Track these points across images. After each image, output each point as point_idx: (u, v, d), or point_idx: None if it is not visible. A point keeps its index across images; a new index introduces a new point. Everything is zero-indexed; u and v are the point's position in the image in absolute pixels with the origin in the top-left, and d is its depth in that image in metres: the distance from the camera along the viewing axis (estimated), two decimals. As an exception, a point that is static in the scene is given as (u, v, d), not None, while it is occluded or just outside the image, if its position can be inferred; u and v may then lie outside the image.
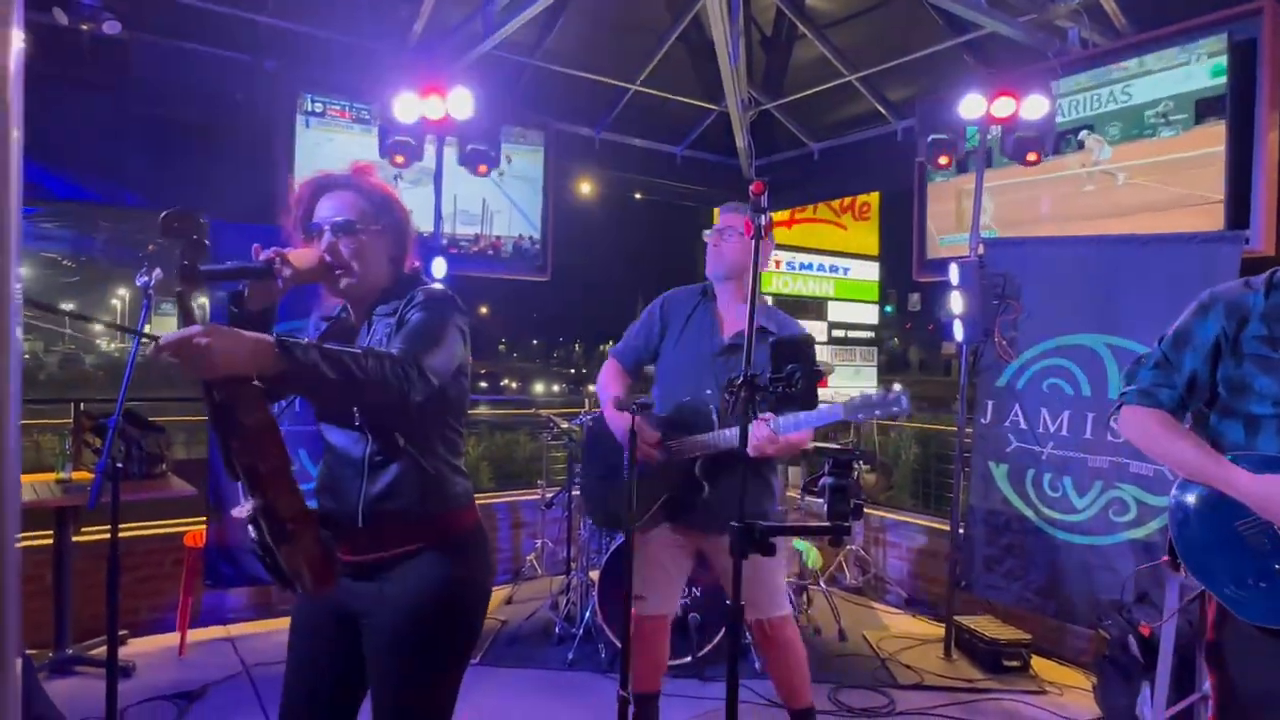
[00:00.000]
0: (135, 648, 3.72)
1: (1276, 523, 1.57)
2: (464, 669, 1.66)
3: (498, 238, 5.42)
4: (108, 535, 2.20)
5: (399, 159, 3.92)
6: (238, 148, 4.46)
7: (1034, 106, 3.74)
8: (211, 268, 1.43)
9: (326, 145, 4.65)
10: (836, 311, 8.59)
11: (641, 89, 5.65)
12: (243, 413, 1.33)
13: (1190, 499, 1.70)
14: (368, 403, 1.51)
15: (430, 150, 4.14)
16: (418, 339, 1.50)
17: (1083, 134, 4.29)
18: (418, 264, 1.75)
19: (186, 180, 4.37)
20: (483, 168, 4.15)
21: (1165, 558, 1.73)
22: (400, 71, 3.97)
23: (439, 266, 3.89)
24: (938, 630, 4.11)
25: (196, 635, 3.81)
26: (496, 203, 5.39)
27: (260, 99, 4.51)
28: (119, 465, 2.19)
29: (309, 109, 4.63)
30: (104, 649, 2.23)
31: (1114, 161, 4.19)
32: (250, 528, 1.42)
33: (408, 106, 3.84)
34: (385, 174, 1.85)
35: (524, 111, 5.37)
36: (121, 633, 3.77)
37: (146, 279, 2.10)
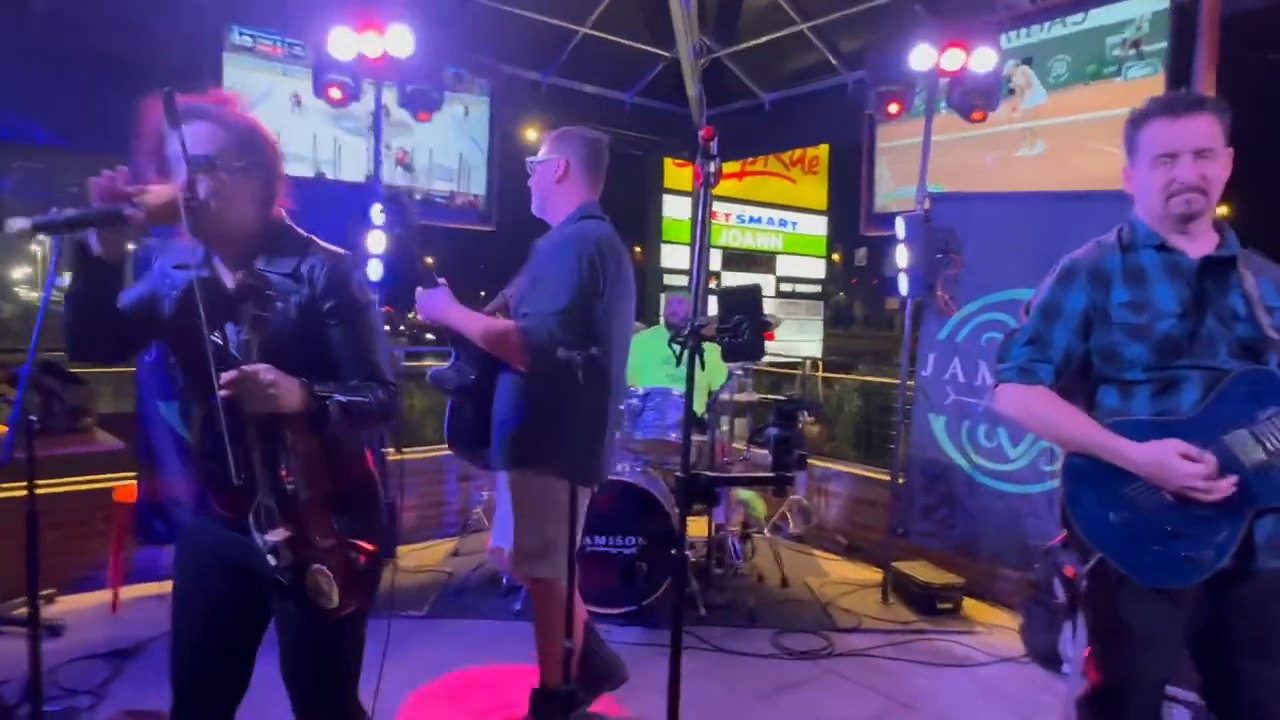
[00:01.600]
0: (65, 606, 3.61)
1: (1166, 488, 1.59)
2: (366, 616, 1.66)
3: (475, 196, 5.25)
4: (26, 491, 2.11)
5: (335, 94, 3.74)
6: (156, 84, 4.19)
7: (982, 60, 3.75)
8: (43, 219, 1.29)
9: (256, 88, 4.42)
10: (785, 265, 8.65)
11: (591, 32, 5.50)
12: (297, 441, 1.41)
13: (1079, 468, 1.70)
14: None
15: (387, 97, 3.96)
16: (374, 362, 1.58)
17: (1010, 66, 4.05)
18: (288, 206, 1.62)
19: (103, 118, 4.10)
20: (424, 114, 4.00)
21: (1061, 535, 1.76)
22: (335, 4, 3.77)
23: (376, 213, 3.76)
24: (876, 575, 4.26)
25: (130, 592, 3.71)
26: (474, 158, 5.22)
27: (184, 31, 4.24)
28: (33, 418, 2.08)
29: (237, 43, 4.38)
30: (26, 608, 2.15)
31: (1051, 115, 4.24)
32: (271, 557, 1.43)
33: (343, 42, 3.66)
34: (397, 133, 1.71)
35: (468, 53, 5.17)
36: (49, 591, 3.65)
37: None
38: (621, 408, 4.03)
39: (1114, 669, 1.69)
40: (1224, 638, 1.65)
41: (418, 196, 5.01)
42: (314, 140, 4.62)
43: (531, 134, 6.31)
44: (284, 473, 1.40)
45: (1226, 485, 1.55)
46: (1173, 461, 1.57)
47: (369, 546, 1.49)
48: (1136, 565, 1.62)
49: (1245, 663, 1.63)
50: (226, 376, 1.34)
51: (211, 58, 4.30)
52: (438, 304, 2.36)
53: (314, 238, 1.65)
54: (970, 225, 3.89)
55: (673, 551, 1.71)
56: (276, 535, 1.41)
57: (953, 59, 3.77)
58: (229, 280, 1.53)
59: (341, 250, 1.64)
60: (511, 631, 3.51)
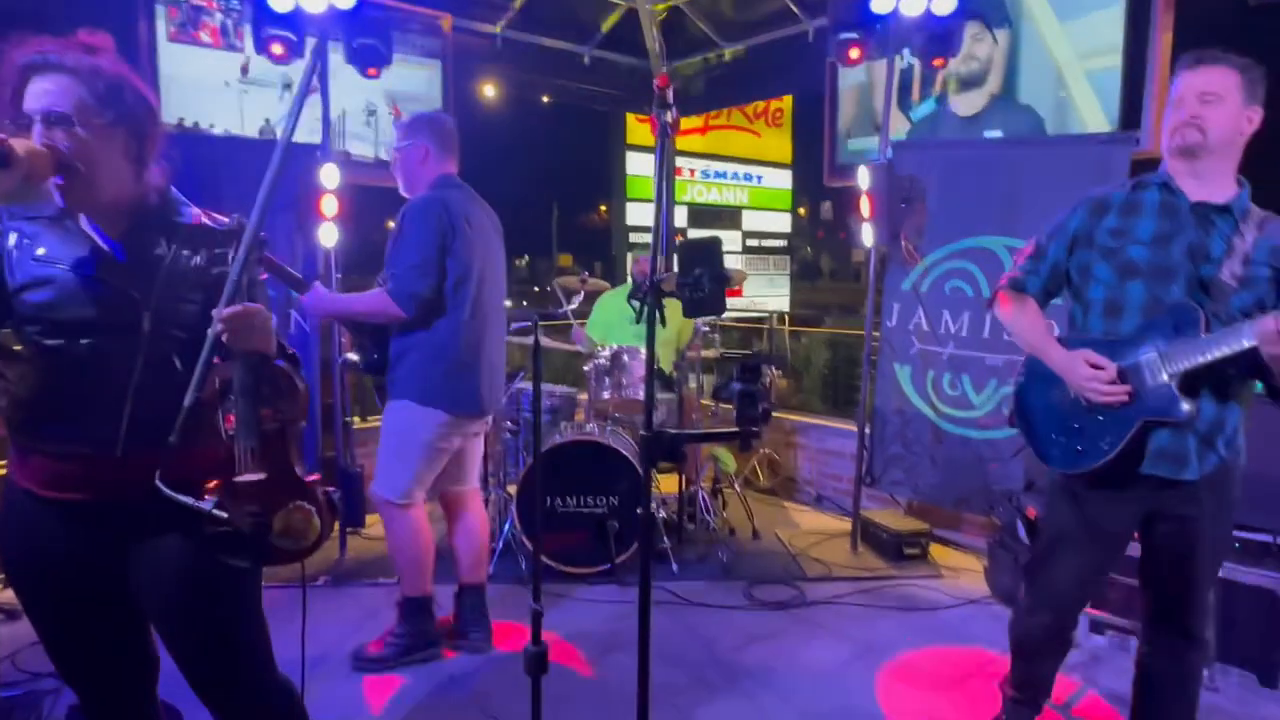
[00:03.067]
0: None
1: (1073, 387, 1.89)
2: (259, 581, 1.57)
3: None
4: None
5: (277, 49, 3.58)
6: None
7: (943, 3, 3.70)
8: None
9: (191, 66, 4.21)
10: (750, 220, 8.61)
11: (545, -18, 5.33)
12: (279, 377, 1.44)
13: (1033, 366, 2.03)
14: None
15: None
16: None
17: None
18: (167, 168, 1.51)
19: None
20: (373, 69, 3.85)
21: (1010, 417, 2.12)
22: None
23: (330, 175, 3.64)
24: (845, 525, 4.32)
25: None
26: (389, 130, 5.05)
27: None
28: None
29: (171, -1, 4.16)
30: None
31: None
32: (222, 510, 1.36)
33: (283, -5, 3.50)
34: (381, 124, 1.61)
35: (416, 5, 4.98)
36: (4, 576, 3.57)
37: None
38: (587, 368, 4.02)
39: (1042, 543, 2.07)
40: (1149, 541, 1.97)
41: (367, 157, 4.87)
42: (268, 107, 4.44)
43: (489, 90, 6.15)
44: (267, 411, 1.41)
45: (1116, 391, 1.82)
46: (1079, 367, 1.86)
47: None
48: (1044, 450, 1.98)
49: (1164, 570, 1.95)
50: (228, 311, 1.33)
51: (146, 14, 4.08)
52: (317, 301, 2.63)
53: (199, 209, 1.55)
54: (933, 173, 3.88)
55: (638, 510, 1.70)
56: (252, 477, 1.38)
57: (913, 3, 3.71)
58: (104, 241, 1.43)
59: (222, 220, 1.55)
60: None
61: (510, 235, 3.10)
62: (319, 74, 3.94)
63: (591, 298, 4.60)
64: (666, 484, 4.35)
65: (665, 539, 3.86)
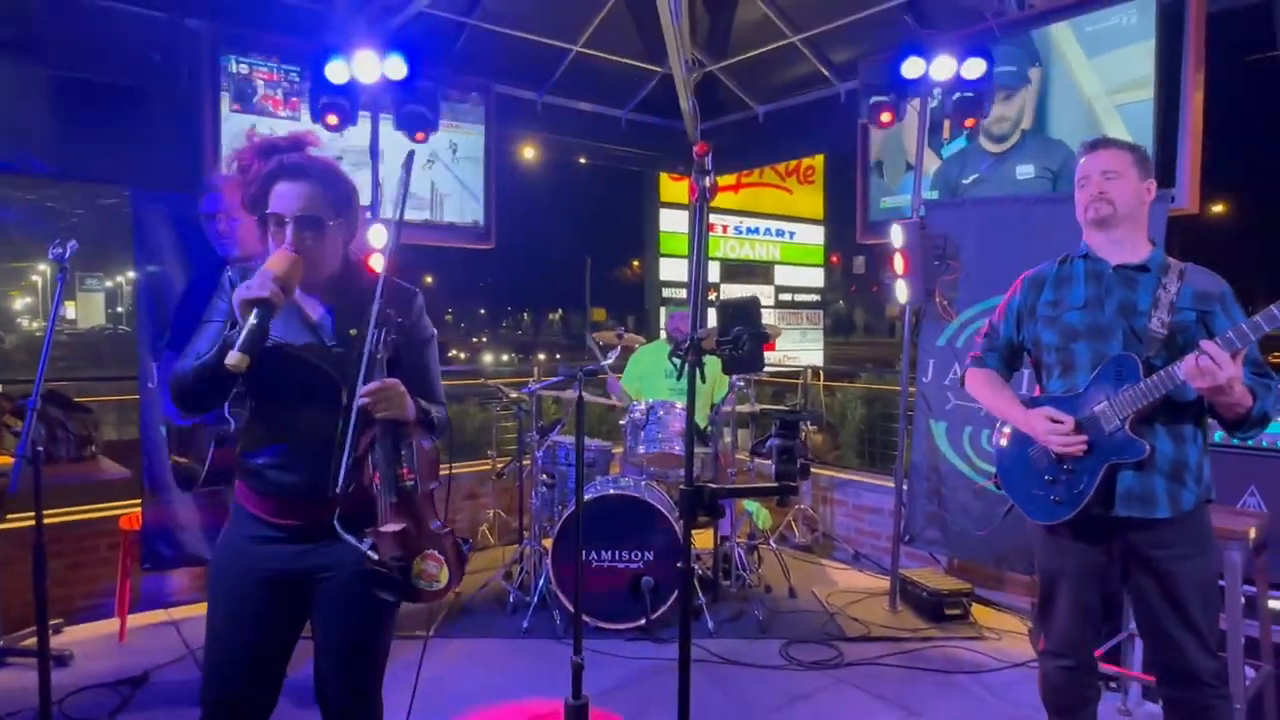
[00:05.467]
0: (72, 636, 3.60)
1: (1041, 442, 2.07)
2: (397, 611, 1.78)
3: (450, 224, 5.30)
4: (34, 522, 2.12)
5: (331, 119, 3.77)
6: (154, 112, 4.23)
7: (972, 68, 3.78)
8: (244, 341, 1.45)
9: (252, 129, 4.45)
10: (783, 275, 8.69)
11: (584, 50, 5.54)
12: (418, 442, 1.64)
13: (1004, 433, 2.24)
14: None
15: (366, 125, 3.99)
16: (438, 386, 1.81)
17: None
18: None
19: (100, 148, 4.14)
20: (420, 135, 4.03)
21: (994, 479, 2.26)
22: (330, 30, 3.81)
23: (377, 234, 3.78)
24: (883, 583, 4.24)
25: (137, 620, 3.71)
26: (446, 185, 5.26)
27: (180, 59, 4.28)
28: (40, 448, 2.09)
29: (234, 71, 4.42)
30: (35, 639, 2.15)
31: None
32: (372, 553, 1.56)
33: (339, 68, 3.70)
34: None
35: (462, 75, 5.22)
36: (55, 621, 3.64)
37: (60, 251, 2.03)
38: (622, 422, 4.05)
39: (1041, 590, 2.20)
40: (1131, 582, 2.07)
41: (413, 219, 5.05)
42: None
43: (529, 152, 6.36)
44: (405, 470, 1.61)
45: (1075, 440, 1.99)
46: (1040, 423, 2.05)
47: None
48: (1026, 504, 2.14)
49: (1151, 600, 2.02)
50: (369, 386, 1.53)
51: (208, 86, 4.33)
52: None
53: (379, 272, 1.77)
54: (966, 231, 3.90)
55: (678, 565, 1.71)
56: (393, 527, 1.58)
57: (942, 68, 3.80)
58: (313, 312, 1.70)
59: (408, 285, 1.78)
60: (520, 649, 3.50)
61: (545, 290, 3.19)
62: (370, 143, 4.13)
63: (626, 352, 4.67)
64: (701, 539, 4.32)
65: (700, 595, 3.82)
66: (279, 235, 1.61)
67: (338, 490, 1.50)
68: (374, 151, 4.13)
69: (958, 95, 3.87)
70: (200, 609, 3.94)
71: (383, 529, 1.58)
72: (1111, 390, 1.98)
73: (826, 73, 5.45)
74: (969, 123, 3.95)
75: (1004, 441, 2.24)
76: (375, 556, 1.56)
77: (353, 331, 1.68)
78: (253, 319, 1.47)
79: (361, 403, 1.53)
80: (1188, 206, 3.75)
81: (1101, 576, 2.08)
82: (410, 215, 5.04)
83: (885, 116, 4.00)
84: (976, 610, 3.96)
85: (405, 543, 1.60)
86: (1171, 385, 1.88)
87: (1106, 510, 1.99)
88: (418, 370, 1.73)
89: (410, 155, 1.68)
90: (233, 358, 1.44)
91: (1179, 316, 1.97)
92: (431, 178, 5.17)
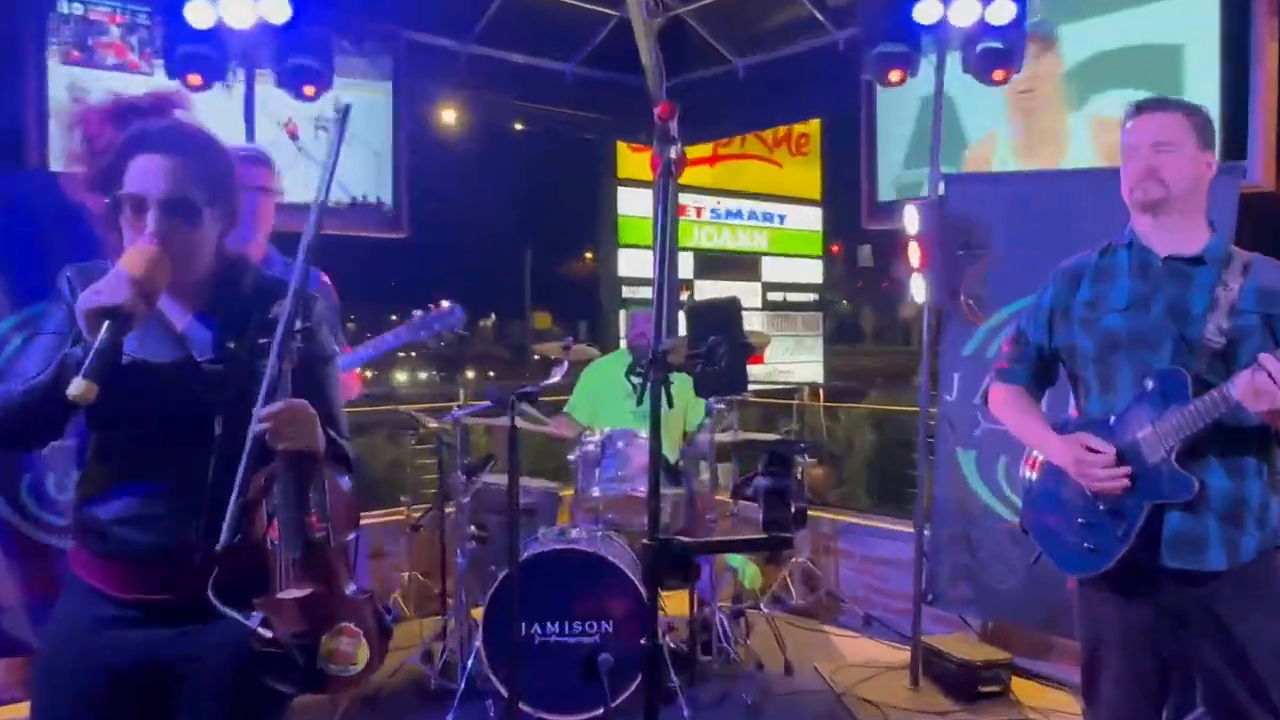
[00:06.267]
0: None
1: (1074, 476, 2.06)
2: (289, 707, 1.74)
3: (352, 202, 5.24)
4: None
5: (194, 79, 3.70)
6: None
7: (1000, 10, 3.85)
8: (90, 365, 1.40)
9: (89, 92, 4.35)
10: (772, 269, 8.75)
11: (519, -13, 5.55)
12: (330, 481, 1.61)
13: (1033, 464, 2.23)
14: None
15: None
16: (340, 413, 1.80)
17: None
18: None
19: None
20: (310, 88, 3.98)
21: (1020, 521, 2.30)
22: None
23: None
24: (903, 654, 4.26)
25: (-63, 727, 3.57)
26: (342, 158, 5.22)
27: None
28: None
29: (65, 11, 4.32)
30: None
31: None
32: (267, 628, 1.50)
33: (201, 9, 3.63)
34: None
35: (362, 19, 5.17)
36: None
37: None
38: (572, 457, 4.02)
39: (1083, 658, 2.20)
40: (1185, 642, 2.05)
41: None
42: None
43: (449, 115, 6.33)
44: (314, 517, 1.56)
45: (1115, 475, 1.98)
46: (1076, 452, 2.03)
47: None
48: (1057, 552, 2.15)
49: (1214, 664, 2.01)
50: (272, 408, 1.47)
51: (31, 37, 4.24)
52: None
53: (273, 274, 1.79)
54: (998, 212, 3.95)
55: (643, 639, 1.69)
56: (295, 593, 1.51)
57: (964, 11, 3.86)
58: (179, 320, 1.67)
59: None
60: (442, 752, 3.44)
61: (474, 289, 3.22)
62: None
63: (577, 367, 4.64)
64: (673, 604, 4.30)
65: (674, 675, 3.79)
66: (137, 223, 1.56)
67: (220, 546, 1.43)
68: (249, 115, 4.07)
69: (983, 45, 3.93)
70: (20, 710, 3.81)
71: (282, 596, 1.52)
72: (1156, 413, 1.98)
73: (821, 17, 5.52)
74: (998, 76, 4.00)
75: (1033, 474, 2.25)
76: (268, 634, 1.50)
77: (231, 344, 1.64)
78: (104, 334, 1.41)
79: (259, 430, 1.48)
80: (1261, 182, 3.86)
81: (1153, 640, 2.07)
82: (294, 197, 4.95)
83: (894, 75, 4.05)
84: (1017, 685, 4.00)
85: (312, 613, 1.54)
86: (1225, 408, 1.87)
87: (1152, 560, 1.99)
88: (315, 395, 1.67)
89: (345, 110, 1.62)
90: (77, 386, 1.37)
91: (1240, 321, 1.97)
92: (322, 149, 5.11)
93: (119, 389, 1.53)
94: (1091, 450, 2.02)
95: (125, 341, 1.50)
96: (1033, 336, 2.24)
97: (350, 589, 1.64)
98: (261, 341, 1.58)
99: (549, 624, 3.59)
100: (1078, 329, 2.14)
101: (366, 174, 5.28)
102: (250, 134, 4.06)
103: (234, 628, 1.51)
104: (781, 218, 8.82)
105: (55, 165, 4.08)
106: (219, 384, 1.61)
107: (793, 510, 1.89)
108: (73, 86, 4.34)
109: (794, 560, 5.16)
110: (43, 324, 1.62)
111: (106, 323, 1.42)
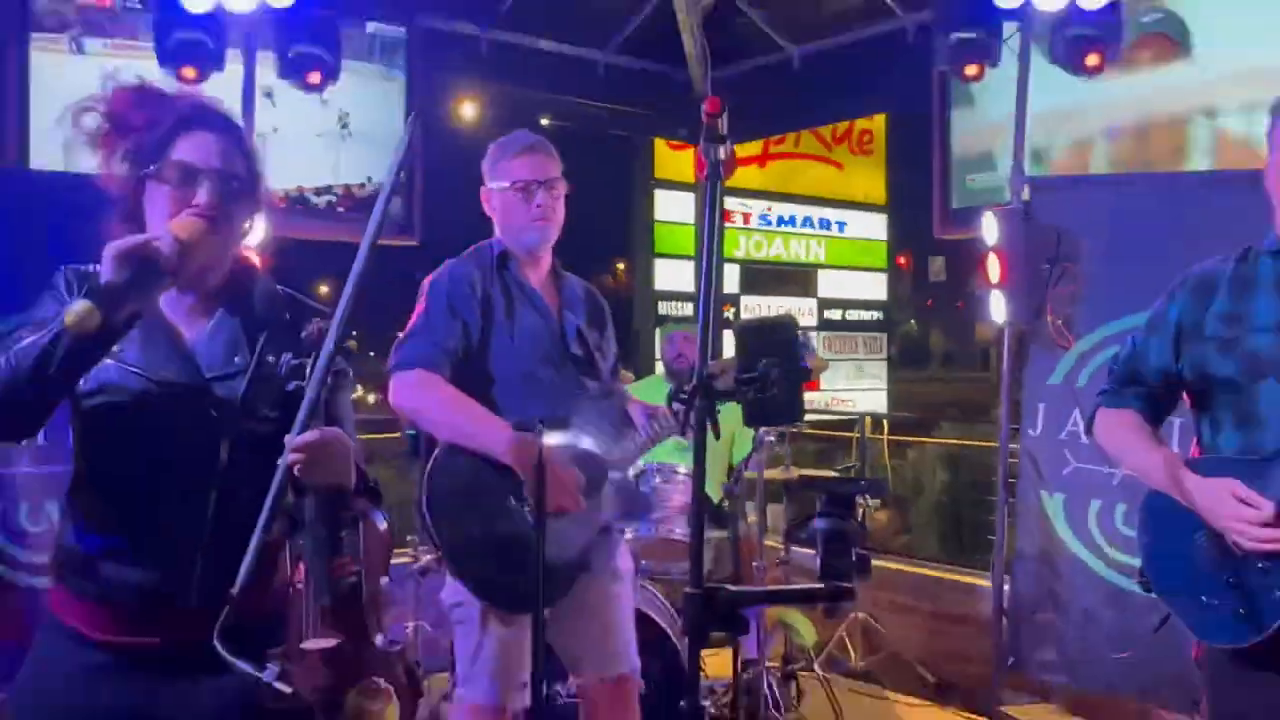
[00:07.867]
0: None
1: (1219, 529, 1.90)
2: None
3: (346, 186, 5.32)
4: None
5: (188, 72, 3.79)
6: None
7: (1093, -7, 3.85)
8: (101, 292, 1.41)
9: (73, 76, 4.47)
10: (829, 284, 8.73)
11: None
12: (373, 517, 1.65)
13: (1157, 508, 2.08)
14: None
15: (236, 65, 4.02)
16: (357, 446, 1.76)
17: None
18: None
19: None
20: (314, 75, 4.06)
21: (1140, 576, 2.18)
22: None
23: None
24: (978, 727, 4.21)
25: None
26: (346, 154, 5.31)
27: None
28: None
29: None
30: None
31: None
32: (284, 683, 1.48)
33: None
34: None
35: (373, 2, 5.26)
36: None
37: None
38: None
39: None
40: None
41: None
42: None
43: (468, 110, 6.41)
44: (345, 560, 1.56)
45: (1275, 535, 1.82)
46: (1225, 503, 1.87)
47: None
48: (1192, 616, 1.99)
49: None
50: (304, 438, 1.48)
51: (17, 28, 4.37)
52: None
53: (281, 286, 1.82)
54: (1093, 221, 3.93)
55: (681, 704, 1.69)
56: (321, 644, 1.51)
57: (1052, -7, 3.86)
58: (187, 330, 1.69)
59: (321, 307, 1.80)
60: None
61: None
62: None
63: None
64: (716, 664, 4.28)
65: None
66: (182, 196, 1.59)
67: (236, 588, 1.45)
68: (248, 108, 4.15)
69: (1073, 31, 3.92)
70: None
71: (305, 645, 1.52)
72: None
73: (888, 1, 5.54)
74: (1092, 61, 3.98)
75: (1147, 520, 2.16)
76: (286, 689, 1.47)
77: (245, 362, 1.67)
78: (128, 274, 1.43)
79: (291, 460, 1.49)
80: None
81: None
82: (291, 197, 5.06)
83: (971, 69, 4.06)
84: (1112, 765, 3.94)
85: (338, 667, 1.52)
86: None
87: None
88: (337, 424, 1.69)
89: (414, 116, 1.73)
90: (78, 306, 1.35)
91: None
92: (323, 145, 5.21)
93: (115, 404, 1.56)
94: (1243, 501, 1.86)
95: (126, 351, 1.52)
96: (1153, 356, 2.12)
97: (381, 641, 1.65)
98: (289, 361, 1.63)
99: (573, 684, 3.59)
100: (1212, 349, 2.00)
101: (375, 174, 5.36)
102: (249, 127, 4.15)
103: (238, 681, 1.49)
104: (841, 225, 8.81)
105: (35, 164, 4.20)
106: (228, 406, 1.64)
107: (854, 557, 1.88)
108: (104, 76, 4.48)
109: (853, 616, 5.12)
110: (28, 316, 1.59)
111: (134, 262, 1.43)
